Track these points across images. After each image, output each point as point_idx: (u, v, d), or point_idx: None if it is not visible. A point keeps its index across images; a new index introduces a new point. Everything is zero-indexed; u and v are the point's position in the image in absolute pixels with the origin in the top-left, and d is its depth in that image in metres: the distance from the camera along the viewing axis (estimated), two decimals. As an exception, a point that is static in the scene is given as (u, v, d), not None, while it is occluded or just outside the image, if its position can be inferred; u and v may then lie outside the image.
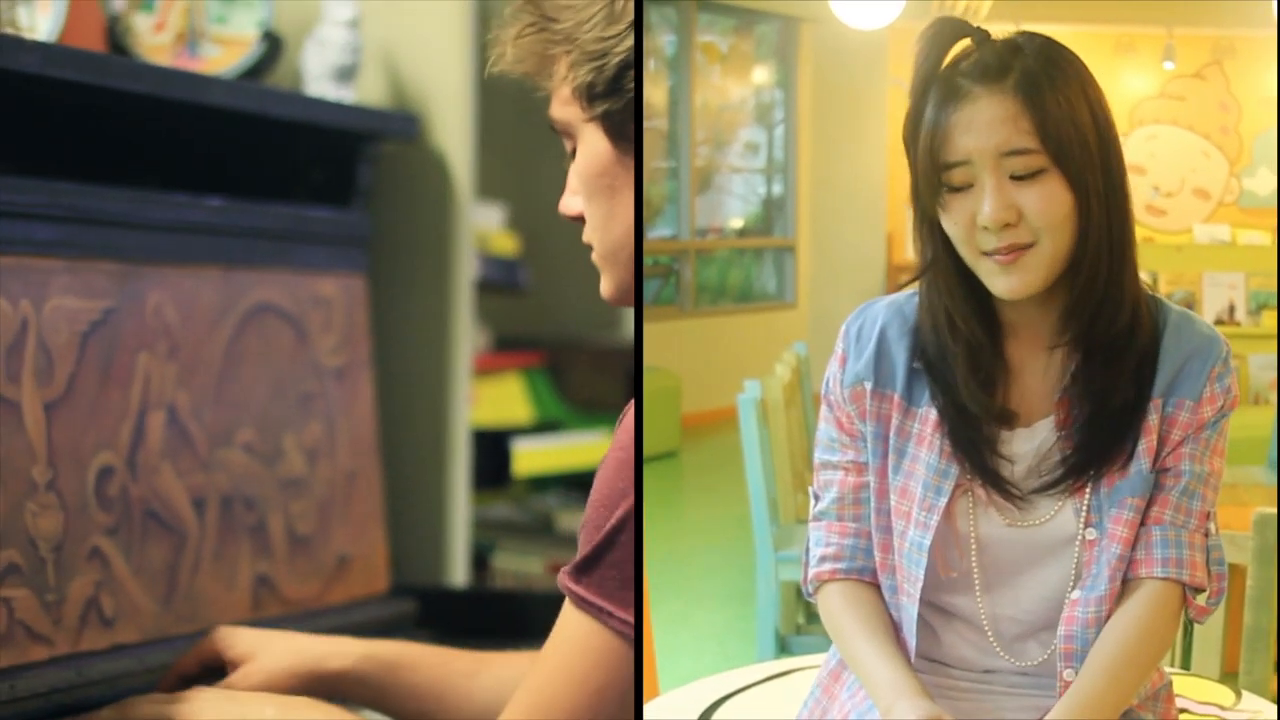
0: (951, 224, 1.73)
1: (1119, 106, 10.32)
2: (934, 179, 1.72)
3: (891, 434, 1.84)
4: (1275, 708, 2.18)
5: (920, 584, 1.81)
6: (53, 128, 2.57)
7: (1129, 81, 10.49)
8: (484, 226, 3.68)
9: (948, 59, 1.75)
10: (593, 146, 1.90)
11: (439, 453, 3.17)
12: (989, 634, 1.84)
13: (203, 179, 2.66)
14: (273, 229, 2.72)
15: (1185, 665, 2.45)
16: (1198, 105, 10.61)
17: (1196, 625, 2.43)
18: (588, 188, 1.92)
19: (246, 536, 2.59)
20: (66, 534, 2.27)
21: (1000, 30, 1.78)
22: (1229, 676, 2.37)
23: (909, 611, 1.83)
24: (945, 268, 1.77)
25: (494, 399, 3.79)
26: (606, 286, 1.95)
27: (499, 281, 3.75)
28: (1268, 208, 10.33)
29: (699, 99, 9.72)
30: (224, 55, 2.87)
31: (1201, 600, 1.80)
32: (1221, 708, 2.14)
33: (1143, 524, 1.77)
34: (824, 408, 1.91)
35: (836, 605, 1.88)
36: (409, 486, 3.12)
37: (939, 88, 1.72)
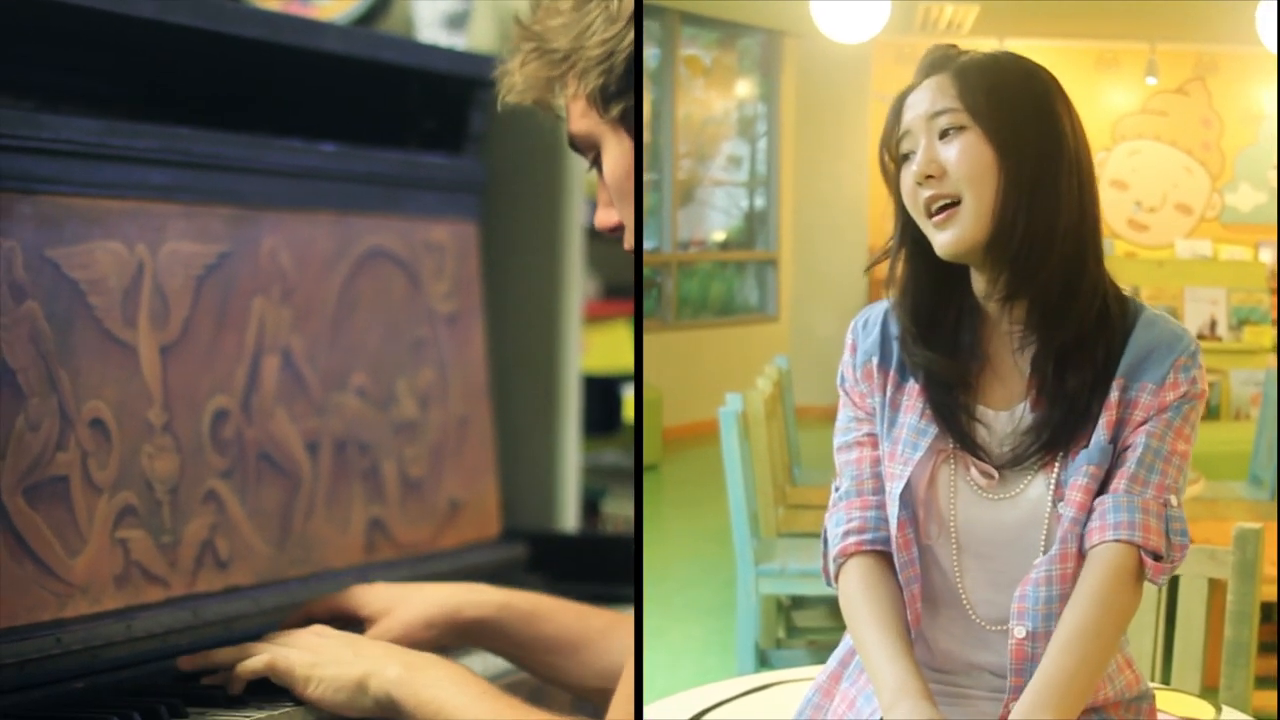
0: (903, 192, 1.87)
1: (1101, 122, 10.37)
2: (891, 154, 1.88)
3: (887, 405, 1.93)
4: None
5: (902, 548, 1.87)
6: (168, 73, 2.59)
7: (1111, 96, 10.51)
8: (595, 173, 3.67)
9: None
10: (616, 150, 1.94)
11: (549, 399, 3.17)
12: (966, 605, 1.89)
13: (316, 125, 2.67)
14: (386, 175, 2.73)
15: (1165, 680, 2.46)
16: (1180, 121, 10.63)
17: (1177, 641, 2.44)
18: (619, 193, 1.96)
19: (359, 480, 2.61)
20: (182, 476, 2.29)
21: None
22: (1209, 692, 2.36)
23: (905, 575, 1.89)
24: (906, 247, 1.91)
25: (604, 346, 3.80)
26: None
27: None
28: (1249, 223, 10.37)
29: (682, 112, 9.75)
30: (336, 1, 2.88)
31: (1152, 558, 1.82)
32: (1201, 722, 2.14)
33: (1100, 495, 1.82)
34: (841, 399, 2.00)
35: (854, 586, 1.92)
36: (520, 432, 3.12)
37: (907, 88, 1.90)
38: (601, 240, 3.70)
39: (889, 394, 1.92)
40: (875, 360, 1.94)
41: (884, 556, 1.92)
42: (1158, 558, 1.80)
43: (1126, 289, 1.88)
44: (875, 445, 1.94)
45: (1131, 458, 1.82)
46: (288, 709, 2.09)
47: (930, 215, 1.83)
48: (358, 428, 2.62)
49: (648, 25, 9.10)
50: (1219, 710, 2.15)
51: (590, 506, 3.45)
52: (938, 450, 1.88)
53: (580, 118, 1.96)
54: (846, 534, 1.94)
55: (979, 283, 1.88)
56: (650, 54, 9.41)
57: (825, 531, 1.98)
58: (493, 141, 3.06)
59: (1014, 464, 1.85)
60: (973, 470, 1.87)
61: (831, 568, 1.96)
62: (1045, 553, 1.82)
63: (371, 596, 2.32)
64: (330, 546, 2.54)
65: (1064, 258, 1.82)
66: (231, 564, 2.36)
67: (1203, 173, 10.64)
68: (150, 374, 2.27)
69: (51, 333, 2.13)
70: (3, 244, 2.08)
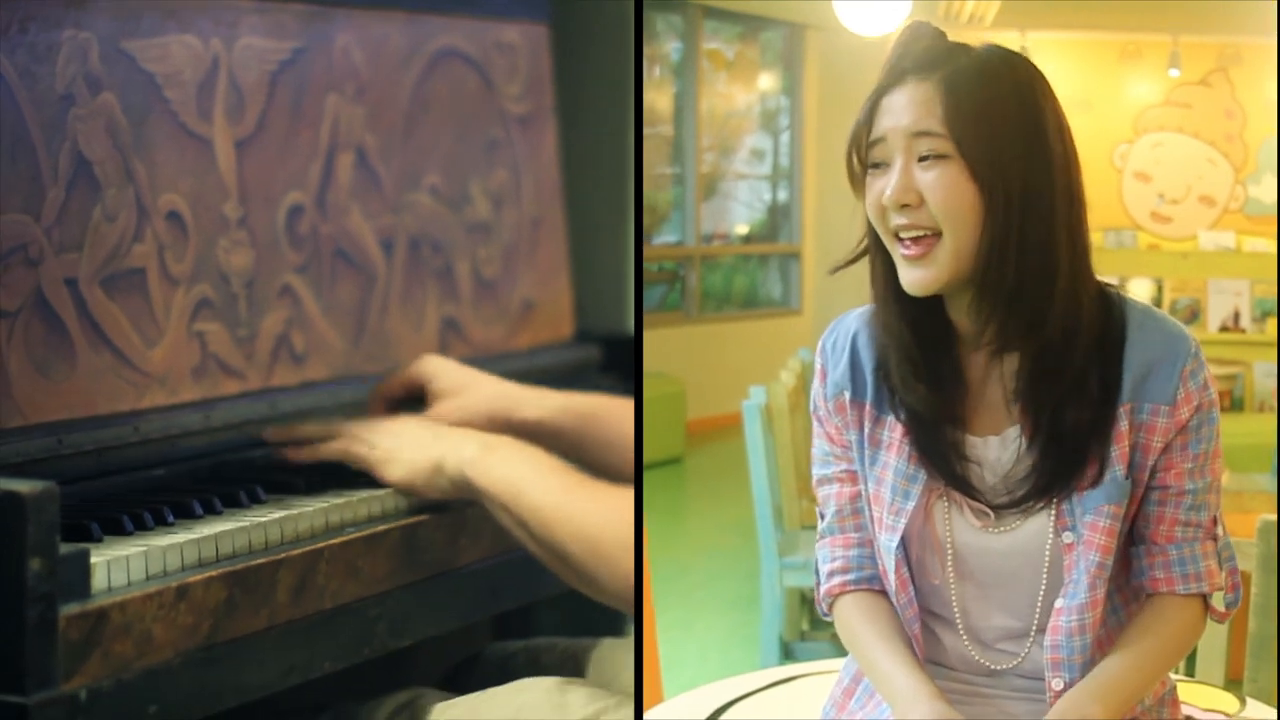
0: (867, 204, 1.75)
1: (1124, 114, 10.24)
2: (859, 156, 1.75)
3: (865, 441, 1.84)
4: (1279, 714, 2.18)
5: (899, 589, 1.81)
6: None
7: (1134, 89, 10.35)
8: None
9: None
10: None
11: (622, 202, 3.17)
12: (964, 637, 1.83)
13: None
14: (457, -26, 2.72)
15: (1190, 672, 2.45)
16: (1203, 112, 10.45)
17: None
18: None
19: (433, 279, 2.62)
20: (258, 271, 2.31)
21: (976, 39, 1.80)
22: (1233, 684, 2.34)
23: (905, 615, 1.83)
24: (878, 257, 1.78)
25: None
26: None
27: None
28: (1273, 215, 10.23)
29: (705, 105, 9.73)
30: None
31: (1220, 603, 1.81)
32: (1226, 715, 2.13)
33: (1155, 543, 1.78)
34: (815, 424, 1.91)
35: (851, 618, 1.87)
36: (593, 235, 3.12)
37: (883, 76, 1.75)
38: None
39: (867, 430, 1.83)
40: (847, 394, 1.84)
41: (874, 592, 1.87)
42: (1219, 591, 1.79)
43: (1113, 280, 1.77)
44: (854, 480, 1.87)
45: (1180, 504, 1.77)
46: (364, 495, 2.13)
47: (899, 242, 1.72)
48: (431, 227, 2.62)
49: (669, 19, 9.16)
50: (1243, 703, 2.15)
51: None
52: (930, 490, 1.79)
53: None
54: (831, 574, 1.89)
55: (956, 313, 1.77)
56: (672, 48, 9.49)
57: (816, 563, 1.93)
58: (565, -57, 3.04)
59: (1011, 507, 1.77)
60: (966, 510, 1.79)
61: (823, 605, 1.92)
62: (1058, 588, 1.76)
63: (443, 372, 2.35)
64: (404, 344, 2.56)
65: (1071, 303, 1.72)
66: (307, 358, 2.39)
67: (1226, 164, 10.51)
68: (226, 168, 2.28)
69: (128, 125, 2.14)
70: (79, 35, 2.09)
